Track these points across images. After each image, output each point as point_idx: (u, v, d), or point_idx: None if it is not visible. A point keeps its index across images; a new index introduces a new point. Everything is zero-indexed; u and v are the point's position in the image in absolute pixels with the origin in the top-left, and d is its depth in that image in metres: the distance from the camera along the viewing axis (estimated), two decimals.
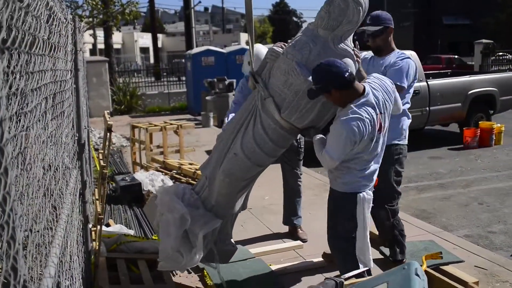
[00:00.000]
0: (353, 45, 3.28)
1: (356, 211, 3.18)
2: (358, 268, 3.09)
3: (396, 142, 3.80)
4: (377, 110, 3.04)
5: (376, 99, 3.04)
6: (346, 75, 2.93)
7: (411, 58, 3.81)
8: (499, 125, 9.81)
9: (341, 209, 3.25)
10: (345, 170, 3.15)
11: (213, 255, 3.56)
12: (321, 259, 4.19)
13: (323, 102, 3.13)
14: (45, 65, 1.86)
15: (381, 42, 3.80)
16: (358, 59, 3.30)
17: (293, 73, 3.10)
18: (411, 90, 3.88)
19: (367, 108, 2.98)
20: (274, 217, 5.37)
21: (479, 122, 9.82)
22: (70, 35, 3.17)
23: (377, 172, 3.27)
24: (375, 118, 3.00)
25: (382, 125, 3.10)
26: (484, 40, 21.79)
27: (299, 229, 4.84)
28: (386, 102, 3.13)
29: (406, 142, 3.91)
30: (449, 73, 11.56)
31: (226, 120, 4.05)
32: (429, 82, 9.15)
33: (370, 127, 2.97)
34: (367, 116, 2.96)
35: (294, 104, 3.14)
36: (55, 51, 2.17)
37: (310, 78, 3.01)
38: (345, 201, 3.20)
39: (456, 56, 26.27)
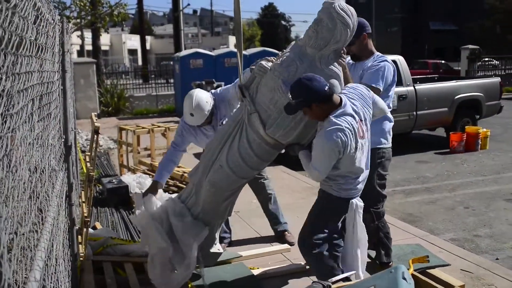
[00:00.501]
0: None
1: (347, 217, 3.23)
2: (332, 271, 3.15)
3: (378, 146, 3.82)
4: (357, 117, 3.08)
5: (354, 107, 3.08)
6: (326, 89, 2.97)
7: (388, 61, 3.80)
8: (485, 130, 9.91)
9: (332, 210, 3.29)
10: (342, 180, 3.20)
11: (199, 260, 3.59)
12: (303, 263, 4.19)
13: (306, 122, 3.18)
14: (32, 66, 1.84)
15: (356, 49, 3.80)
16: (345, 69, 3.35)
17: (279, 91, 3.14)
18: (391, 93, 3.90)
19: (346, 117, 3.01)
20: (262, 220, 5.36)
21: (465, 127, 9.91)
22: (57, 36, 3.15)
23: (367, 172, 3.32)
24: (355, 126, 3.03)
25: (364, 132, 3.14)
26: (470, 46, 22.02)
27: (286, 233, 4.82)
28: (365, 109, 3.17)
29: (389, 145, 3.94)
30: (436, 78, 11.65)
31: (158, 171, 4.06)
32: (416, 87, 9.22)
33: (352, 136, 3.00)
34: (347, 125, 2.99)
35: (279, 121, 3.19)
36: (42, 52, 2.15)
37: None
38: (338, 204, 3.25)
39: (442, 61, 26.50)
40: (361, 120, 3.10)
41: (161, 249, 3.45)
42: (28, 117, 1.84)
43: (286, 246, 4.61)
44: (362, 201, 3.30)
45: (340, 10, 3.08)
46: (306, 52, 3.22)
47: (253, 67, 3.48)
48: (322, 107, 3.01)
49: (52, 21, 2.74)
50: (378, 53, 3.90)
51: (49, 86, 2.65)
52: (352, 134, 3.00)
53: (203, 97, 3.96)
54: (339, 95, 3.12)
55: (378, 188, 3.90)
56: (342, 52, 3.27)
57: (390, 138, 3.94)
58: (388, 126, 3.91)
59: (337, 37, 3.14)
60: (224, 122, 3.99)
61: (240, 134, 3.36)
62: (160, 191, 3.86)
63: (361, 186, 3.27)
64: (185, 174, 6.40)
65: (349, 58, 3.81)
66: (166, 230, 3.50)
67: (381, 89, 3.70)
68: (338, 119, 2.99)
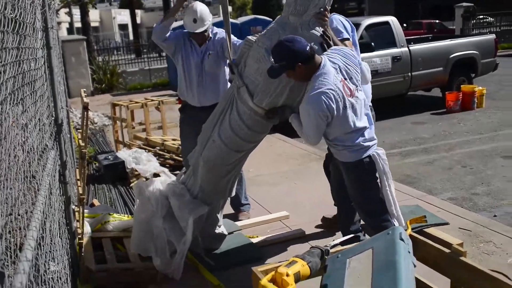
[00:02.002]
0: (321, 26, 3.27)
1: (377, 171, 3.17)
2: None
3: None
4: (340, 76, 3.04)
5: (335, 66, 3.04)
6: (307, 49, 2.95)
7: (334, 15, 3.66)
8: (480, 88, 9.85)
9: (365, 176, 3.21)
10: (340, 145, 3.16)
11: (197, 243, 3.65)
12: (304, 229, 4.21)
13: (291, 85, 3.16)
14: (8, 43, 1.79)
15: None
16: (330, 33, 3.30)
17: (263, 59, 3.16)
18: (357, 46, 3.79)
19: (328, 78, 2.97)
20: (259, 188, 5.37)
21: (461, 86, 9.84)
22: (38, 12, 3.06)
23: (373, 130, 3.26)
24: (339, 86, 3.00)
25: (352, 90, 3.08)
26: (464, 4, 21.73)
27: (242, 212, 4.64)
28: (348, 66, 3.11)
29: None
30: (430, 38, 11.51)
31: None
32: (410, 48, 9.12)
33: (337, 96, 2.97)
34: (330, 86, 2.95)
35: (264, 88, 3.20)
36: (21, 28, 2.09)
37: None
38: (364, 167, 3.16)
39: (437, 21, 26.18)
40: (345, 79, 3.06)
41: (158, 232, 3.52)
42: (9, 94, 1.79)
43: (284, 213, 4.61)
44: (381, 149, 3.23)
45: None
46: (288, 22, 3.25)
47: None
48: (306, 68, 2.98)
49: None
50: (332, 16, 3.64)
51: (33, 63, 2.59)
52: (336, 94, 2.97)
53: (205, 7, 4.25)
54: (321, 55, 3.08)
55: None
56: (324, 12, 3.21)
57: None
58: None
59: (315, 1, 3.16)
60: (209, 54, 4.25)
61: (231, 109, 3.39)
62: (163, 177, 3.91)
63: (372, 140, 3.18)
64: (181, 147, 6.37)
65: (334, 15, 3.67)
66: (163, 213, 3.53)
67: (349, 37, 3.61)
68: (319, 80, 2.97)
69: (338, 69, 3.06)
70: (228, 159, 3.49)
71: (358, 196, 3.32)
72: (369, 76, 3.60)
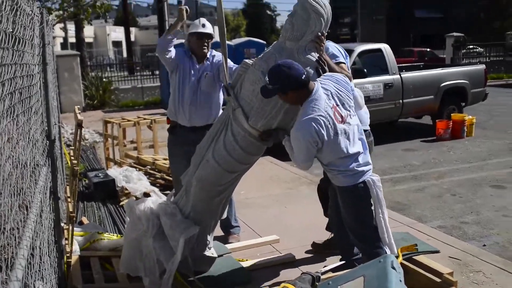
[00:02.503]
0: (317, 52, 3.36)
1: (371, 197, 3.18)
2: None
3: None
4: (331, 102, 3.09)
5: (327, 92, 3.10)
6: (303, 77, 3.03)
7: (329, 42, 3.77)
8: (470, 117, 9.97)
9: (359, 201, 3.23)
10: (335, 169, 3.18)
11: (187, 264, 3.63)
12: (294, 254, 4.18)
13: (286, 108, 3.25)
14: (8, 59, 1.79)
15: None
16: (325, 58, 3.39)
17: (259, 81, 3.23)
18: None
19: (319, 104, 3.03)
20: (250, 211, 5.35)
21: (451, 114, 9.96)
22: (37, 28, 3.07)
23: (368, 155, 3.28)
24: (330, 113, 3.05)
25: (344, 116, 3.13)
26: (455, 33, 22.13)
27: (232, 235, 4.64)
28: (340, 92, 3.16)
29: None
30: (421, 66, 11.68)
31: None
32: (402, 75, 9.24)
33: (327, 123, 3.02)
34: (321, 113, 3.01)
35: (260, 110, 3.28)
36: (20, 45, 2.09)
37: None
38: (358, 192, 3.18)
39: (428, 49, 26.59)
40: (336, 105, 3.11)
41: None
42: (7, 110, 1.78)
43: (274, 237, 4.59)
44: (376, 175, 3.26)
45: (313, 1, 3.21)
46: (285, 46, 3.34)
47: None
48: (297, 94, 3.07)
49: (31, 12, 2.67)
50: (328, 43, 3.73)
51: (29, 79, 2.58)
52: (327, 120, 3.02)
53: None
54: (314, 82, 3.15)
55: None
56: (320, 37, 3.29)
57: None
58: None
59: (312, 27, 3.24)
60: (206, 74, 4.33)
61: (226, 130, 3.44)
62: (154, 197, 3.90)
63: (367, 165, 3.21)
64: None
65: (329, 42, 3.77)
66: (154, 232, 3.51)
67: (344, 61, 3.73)
68: (311, 106, 3.03)
69: (330, 95, 3.11)
70: (221, 180, 3.51)
71: (351, 221, 3.32)
72: (362, 102, 3.66)
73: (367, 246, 3.28)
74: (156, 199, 3.83)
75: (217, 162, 3.42)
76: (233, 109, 3.39)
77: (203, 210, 3.62)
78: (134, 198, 5.56)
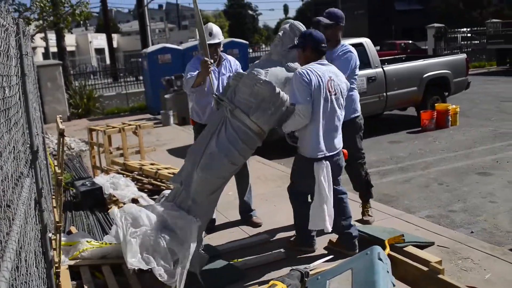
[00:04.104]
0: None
1: (314, 175, 3.76)
2: (307, 224, 3.81)
3: (355, 115, 4.63)
4: (326, 76, 3.78)
5: (321, 70, 3.81)
6: (323, 46, 3.87)
7: (351, 51, 4.54)
8: (454, 106, 10.07)
9: (301, 170, 3.95)
10: (306, 138, 3.81)
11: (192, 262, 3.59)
12: (284, 252, 4.20)
13: (283, 110, 3.79)
14: None
15: (330, 35, 4.41)
16: None
17: (259, 83, 3.76)
18: (357, 72, 4.71)
19: (316, 68, 3.78)
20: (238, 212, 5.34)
21: (435, 105, 10.04)
22: (12, 39, 3.05)
23: (339, 142, 3.92)
24: (323, 78, 3.74)
25: (336, 90, 3.82)
26: (436, 24, 22.30)
27: (254, 217, 5.08)
28: (338, 78, 3.91)
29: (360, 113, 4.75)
30: (404, 58, 11.75)
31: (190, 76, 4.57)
32: (385, 68, 9.28)
33: (319, 79, 3.71)
34: (316, 70, 3.75)
35: (262, 107, 3.75)
36: None
37: (275, 87, 3.76)
38: (305, 164, 3.84)
39: (410, 41, 26.77)
40: (330, 79, 3.80)
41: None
42: None
43: (265, 236, 4.60)
44: (332, 163, 3.84)
45: (297, 25, 4.23)
46: (273, 59, 4.19)
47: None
48: (311, 54, 3.85)
49: (5, 24, 2.65)
50: (343, 43, 4.59)
51: (7, 90, 2.56)
52: (319, 78, 3.72)
53: (219, 29, 4.83)
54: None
55: (360, 146, 4.76)
56: None
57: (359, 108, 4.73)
58: (357, 98, 4.71)
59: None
60: (228, 77, 4.75)
61: (225, 127, 3.81)
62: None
63: (327, 149, 3.79)
64: (159, 171, 6.34)
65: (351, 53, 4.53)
66: (159, 226, 3.53)
67: (355, 81, 4.56)
68: (310, 65, 3.80)
69: (326, 73, 3.81)
70: (224, 171, 3.79)
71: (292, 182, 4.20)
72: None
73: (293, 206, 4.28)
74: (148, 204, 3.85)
75: (222, 152, 3.72)
76: (231, 111, 3.80)
77: (202, 203, 3.77)
78: (122, 205, 5.54)
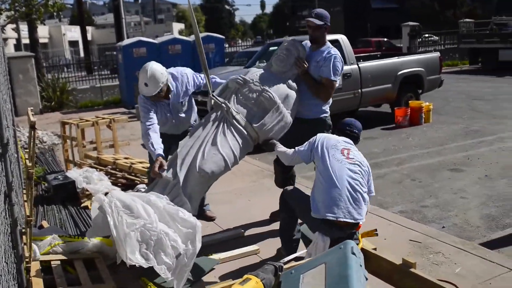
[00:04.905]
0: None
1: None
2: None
3: (325, 115, 4.58)
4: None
5: None
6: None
7: (338, 54, 4.46)
8: (427, 103, 10.22)
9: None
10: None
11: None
12: (258, 246, 4.21)
13: (281, 125, 4.13)
14: None
15: (319, 35, 4.48)
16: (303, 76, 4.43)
17: (266, 95, 4.12)
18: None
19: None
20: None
21: (409, 102, 10.18)
22: None
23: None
24: None
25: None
26: (410, 23, 22.58)
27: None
28: None
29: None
30: (378, 55, 11.87)
31: (154, 150, 4.00)
32: (360, 65, 9.37)
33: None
34: None
35: (264, 118, 4.05)
36: None
37: (279, 105, 4.11)
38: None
39: (385, 39, 27.06)
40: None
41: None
42: None
43: (239, 231, 4.61)
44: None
45: (300, 43, 4.45)
46: (273, 72, 4.40)
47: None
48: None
49: None
50: (328, 43, 4.57)
51: None
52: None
53: (158, 68, 4.21)
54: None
55: None
56: (299, 60, 4.36)
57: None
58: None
59: (295, 54, 4.39)
60: (184, 102, 4.56)
61: (225, 129, 3.98)
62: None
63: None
64: (134, 166, 6.28)
65: (306, 40, 4.58)
66: (158, 218, 3.45)
67: (336, 81, 4.45)
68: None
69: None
70: (221, 173, 3.90)
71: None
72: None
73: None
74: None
75: (224, 155, 3.84)
76: (234, 114, 4.05)
77: (196, 200, 3.92)
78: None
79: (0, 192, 2.96)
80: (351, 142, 3.65)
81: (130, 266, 3.32)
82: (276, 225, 4.48)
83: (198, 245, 3.38)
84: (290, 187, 3.86)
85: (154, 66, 4.20)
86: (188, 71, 4.58)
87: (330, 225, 3.26)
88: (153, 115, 4.21)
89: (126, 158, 6.76)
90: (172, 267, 3.29)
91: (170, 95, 4.42)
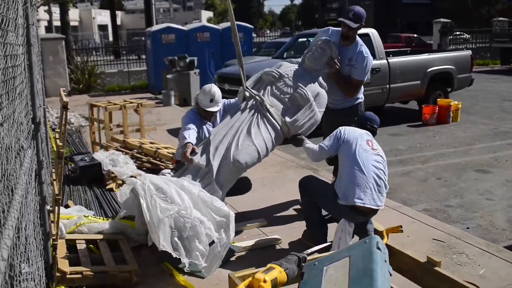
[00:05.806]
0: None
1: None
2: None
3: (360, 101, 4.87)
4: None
5: None
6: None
7: (369, 54, 4.61)
8: (456, 102, 10.05)
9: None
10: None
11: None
12: (281, 236, 4.21)
13: (312, 122, 4.25)
14: None
15: (352, 34, 4.59)
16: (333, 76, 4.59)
17: (300, 91, 4.23)
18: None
19: None
20: (238, 196, 5.34)
21: (437, 100, 10.02)
22: (21, 8, 3.02)
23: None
24: None
25: None
26: (442, 19, 22.18)
27: None
28: None
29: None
30: (408, 51, 11.70)
31: (186, 138, 4.04)
32: (389, 60, 9.25)
33: None
34: None
35: (299, 115, 4.16)
36: (4, 24, 2.06)
37: (312, 103, 4.23)
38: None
39: (415, 35, 26.64)
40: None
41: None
42: None
43: (261, 220, 4.62)
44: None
45: (334, 44, 4.52)
46: (305, 68, 4.48)
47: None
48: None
49: None
50: (358, 39, 4.66)
51: (13, 59, 2.55)
52: None
53: (220, 91, 4.51)
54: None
55: None
56: (332, 60, 4.48)
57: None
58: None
59: (328, 54, 4.50)
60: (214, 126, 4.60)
61: (259, 121, 4.09)
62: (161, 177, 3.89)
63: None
64: (159, 151, 6.33)
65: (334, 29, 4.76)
66: (192, 205, 3.48)
67: (364, 80, 4.70)
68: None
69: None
70: (252, 163, 4.00)
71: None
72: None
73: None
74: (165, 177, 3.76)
75: (258, 147, 3.95)
76: (268, 107, 4.16)
77: (226, 190, 4.00)
78: (120, 182, 5.55)
79: (32, 170, 3.02)
80: (371, 135, 4.02)
81: (152, 251, 3.36)
82: (298, 217, 4.49)
83: (232, 235, 3.42)
84: (306, 176, 4.20)
85: (217, 88, 4.47)
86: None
87: (356, 212, 3.54)
88: (194, 127, 4.28)
89: (151, 143, 6.82)
90: (206, 254, 3.32)
91: (216, 118, 4.59)
